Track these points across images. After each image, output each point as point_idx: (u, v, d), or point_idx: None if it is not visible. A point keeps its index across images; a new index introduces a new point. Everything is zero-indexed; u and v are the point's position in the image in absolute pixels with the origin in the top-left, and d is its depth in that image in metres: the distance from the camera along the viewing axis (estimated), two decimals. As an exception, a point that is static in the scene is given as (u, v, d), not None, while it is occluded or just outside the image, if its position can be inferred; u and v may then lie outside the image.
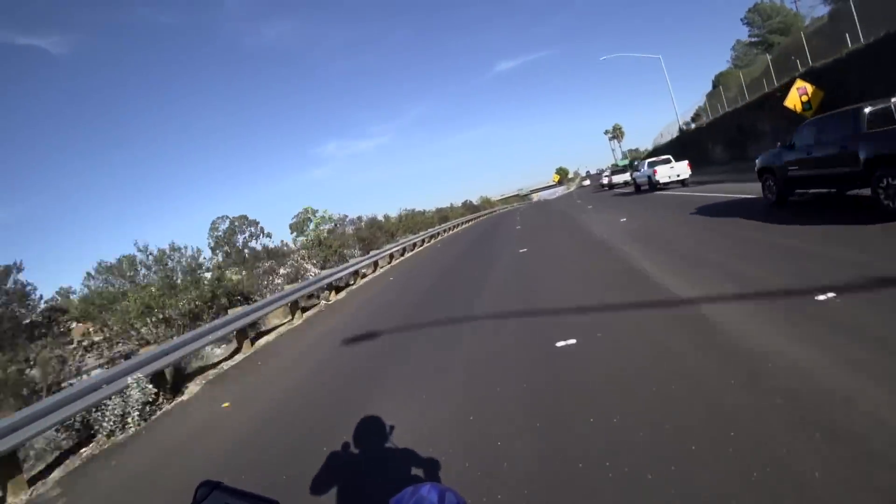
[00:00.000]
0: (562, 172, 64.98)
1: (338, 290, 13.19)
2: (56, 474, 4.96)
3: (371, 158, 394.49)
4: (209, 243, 27.39)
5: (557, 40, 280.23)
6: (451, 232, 34.37)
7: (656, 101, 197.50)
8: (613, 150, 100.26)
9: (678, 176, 20.28)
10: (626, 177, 33.43)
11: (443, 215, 40.09)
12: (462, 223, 39.39)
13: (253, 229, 54.27)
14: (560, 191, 75.25)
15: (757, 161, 9.39)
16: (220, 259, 22.34)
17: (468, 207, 53.12)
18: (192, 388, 6.80)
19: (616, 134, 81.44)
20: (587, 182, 79.32)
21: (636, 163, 36.63)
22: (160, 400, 6.07)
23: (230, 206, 55.40)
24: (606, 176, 40.35)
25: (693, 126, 34.02)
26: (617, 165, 46.98)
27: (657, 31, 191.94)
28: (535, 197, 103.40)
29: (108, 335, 8.76)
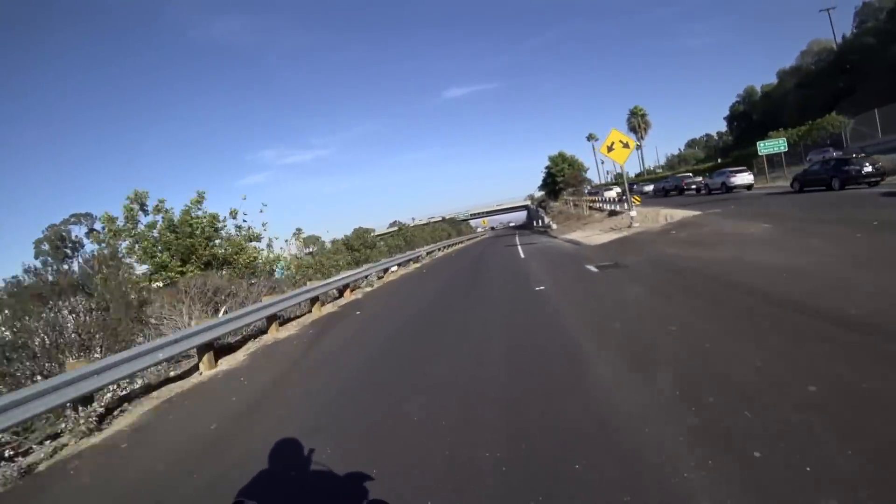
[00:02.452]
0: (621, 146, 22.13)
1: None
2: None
3: (310, 170, 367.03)
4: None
5: (511, 72, 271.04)
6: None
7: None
8: (606, 168, 78.42)
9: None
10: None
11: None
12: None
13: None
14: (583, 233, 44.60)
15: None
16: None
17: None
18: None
19: (637, 124, 56.21)
20: (646, 188, 51.02)
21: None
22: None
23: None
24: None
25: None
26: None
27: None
28: (485, 227, 78.65)
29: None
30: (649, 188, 35.40)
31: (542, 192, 51.95)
